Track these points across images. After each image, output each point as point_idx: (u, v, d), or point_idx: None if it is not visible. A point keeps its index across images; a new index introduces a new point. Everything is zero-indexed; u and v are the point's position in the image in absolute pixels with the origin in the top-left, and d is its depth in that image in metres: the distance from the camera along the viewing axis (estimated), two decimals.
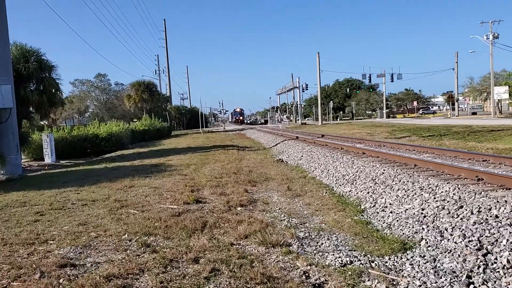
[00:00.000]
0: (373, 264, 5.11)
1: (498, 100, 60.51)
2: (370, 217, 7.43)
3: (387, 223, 6.87)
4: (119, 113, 65.54)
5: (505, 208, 5.75)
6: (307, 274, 4.88)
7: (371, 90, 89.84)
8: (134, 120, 59.10)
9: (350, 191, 9.43)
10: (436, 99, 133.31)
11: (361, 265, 5.09)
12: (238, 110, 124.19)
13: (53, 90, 22.80)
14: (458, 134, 26.28)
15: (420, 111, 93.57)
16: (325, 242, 6.11)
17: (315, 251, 5.73)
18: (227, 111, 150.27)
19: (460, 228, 5.63)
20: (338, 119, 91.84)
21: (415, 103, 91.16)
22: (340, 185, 10.18)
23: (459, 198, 6.67)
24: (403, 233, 6.24)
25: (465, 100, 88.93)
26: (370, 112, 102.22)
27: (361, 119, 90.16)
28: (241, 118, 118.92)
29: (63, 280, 4.81)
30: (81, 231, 6.98)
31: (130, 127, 36.79)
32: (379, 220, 7.12)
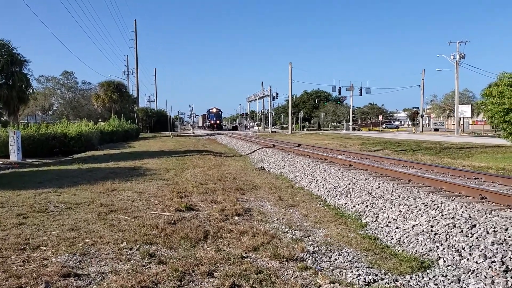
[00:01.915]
0: (397, 284, 4.93)
1: (460, 118, 62.30)
2: (375, 232, 7.28)
3: (395, 239, 6.72)
4: (85, 112, 63.72)
5: None
6: None
7: (338, 102, 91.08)
8: (100, 120, 57.69)
9: (346, 203, 9.29)
10: (399, 114, 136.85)
11: (386, 284, 4.90)
12: (214, 110, 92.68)
13: (23, 86, 21.89)
14: (430, 150, 26.75)
15: (384, 125, 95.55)
16: (339, 258, 5.90)
17: (331, 267, 5.51)
18: (197, 115, 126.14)
19: (478, 248, 5.53)
20: (305, 129, 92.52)
21: (380, 117, 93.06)
22: (334, 197, 10.02)
23: (469, 216, 6.60)
24: (416, 251, 6.11)
25: (428, 116, 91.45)
26: (335, 123, 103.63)
27: (327, 130, 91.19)
28: (217, 122, 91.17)
29: None
30: (74, 237, 6.53)
31: (99, 128, 35.75)
32: (386, 236, 6.98)
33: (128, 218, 7.91)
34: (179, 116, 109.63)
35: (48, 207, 8.82)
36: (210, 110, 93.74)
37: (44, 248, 6.01)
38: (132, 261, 5.51)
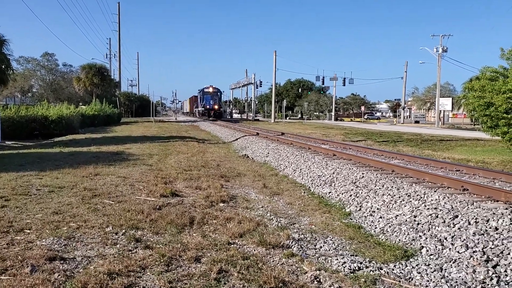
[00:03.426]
0: (382, 271, 5.02)
1: (441, 110, 63.11)
2: (359, 221, 7.37)
3: (379, 228, 6.83)
4: (66, 95, 62.50)
5: (503, 221, 5.84)
6: (318, 280, 4.70)
7: (321, 92, 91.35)
8: (81, 103, 56.86)
9: (330, 192, 9.38)
10: (380, 105, 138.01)
11: (371, 272, 4.98)
12: (210, 90, 62.09)
13: (3, 67, 21.44)
14: (411, 141, 27.08)
15: (365, 116, 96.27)
16: (324, 246, 5.97)
17: (317, 255, 5.58)
18: (180, 101, 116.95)
19: (460, 238, 5.65)
20: (288, 118, 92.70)
21: (362, 108, 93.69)
22: (318, 186, 10.11)
23: (452, 207, 6.73)
24: (400, 240, 6.21)
25: (409, 108, 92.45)
26: (317, 113, 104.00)
27: (310, 119, 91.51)
28: (216, 107, 61.10)
29: (59, 275, 4.38)
30: (58, 221, 6.48)
31: (80, 111, 35.25)
32: (369, 225, 7.08)
33: (113, 202, 7.87)
34: (161, 102, 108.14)
35: (31, 190, 8.72)
36: (205, 90, 61.78)
37: (28, 231, 5.95)
38: (118, 246, 5.50)
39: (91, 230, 6.11)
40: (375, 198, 8.15)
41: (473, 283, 4.68)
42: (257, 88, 78.23)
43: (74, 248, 5.34)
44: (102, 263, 4.79)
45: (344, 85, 70.77)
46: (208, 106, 60.66)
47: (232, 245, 5.70)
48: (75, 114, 30.93)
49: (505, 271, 4.77)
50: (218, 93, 63.86)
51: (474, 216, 6.17)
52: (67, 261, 4.87)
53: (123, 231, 6.11)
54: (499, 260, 4.96)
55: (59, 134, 25.52)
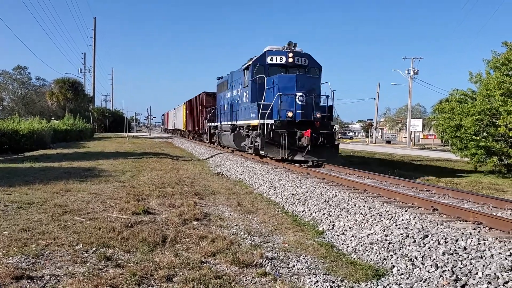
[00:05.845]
0: None
1: (412, 131, 64.41)
2: (331, 240, 7.42)
3: (351, 247, 6.89)
4: (38, 109, 61.50)
5: (471, 241, 5.97)
6: None
7: None
8: (53, 118, 55.99)
9: (304, 211, 9.42)
10: (353, 125, 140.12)
11: None
12: (291, 60, 16.59)
13: None
14: (383, 161, 27.56)
15: (339, 135, 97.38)
16: (297, 264, 5.97)
17: (290, 274, 5.58)
18: (155, 117, 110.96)
19: (430, 258, 5.75)
20: None
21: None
22: (292, 204, 10.15)
23: (422, 227, 6.85)
24: (371, 259, 6.27)
25: (381, 129, 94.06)
26: None
27: None
28: (317, 115, 15.81)
29: None
30: (26, 238, 6.34)
31: (52, 126, 34.67)
32: (342, 244, 7.13)
33: (84, 220, 7.74)
34: (135, 118, 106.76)
35: None
36: (274, 61, 16.81)
37: None
38: (88, 264, 5.41)
39: (60, 248, 5.99)
40: (347, 217, 8.23)
41: None
42: None
43: (42, 267, 5.22)
44: (71, 282, 4.70)
45: None
46: (292, 113, 15.68)
47: (205, 264, 5.66)
48: (47, 128, 30.40)
49: None
50: (316, 71, 18.00)
51: (444, 236, 6.29)
52: (35, 280, 4.75)
53: (94, 249, 6.02)
54: (468, 280, 5.05)
55: (30, 149, 25.05)
